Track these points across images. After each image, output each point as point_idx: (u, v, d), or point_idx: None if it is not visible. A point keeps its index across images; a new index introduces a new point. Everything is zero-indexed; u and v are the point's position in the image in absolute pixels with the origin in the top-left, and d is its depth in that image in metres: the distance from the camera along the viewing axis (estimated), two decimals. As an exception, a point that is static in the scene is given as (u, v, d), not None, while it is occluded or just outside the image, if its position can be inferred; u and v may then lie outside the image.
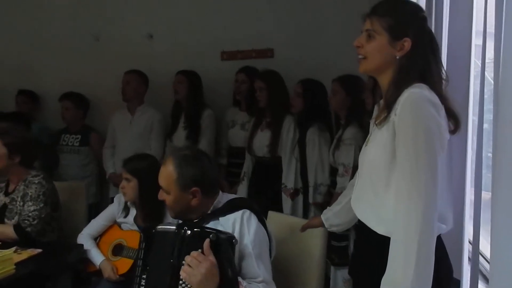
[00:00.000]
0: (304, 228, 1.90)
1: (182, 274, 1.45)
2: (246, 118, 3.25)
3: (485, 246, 1.48)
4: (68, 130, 3.61)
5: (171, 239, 1.55)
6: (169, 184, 1.64)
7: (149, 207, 2.21)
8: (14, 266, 1.85)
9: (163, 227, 1.64)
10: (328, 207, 1.85)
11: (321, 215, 1.82)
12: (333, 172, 2.79)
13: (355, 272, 1.62)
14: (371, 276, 1.32)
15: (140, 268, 1.64)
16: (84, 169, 3.54)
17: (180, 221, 1.67)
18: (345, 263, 2.61)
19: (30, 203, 2.30)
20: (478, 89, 1.45)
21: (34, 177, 2.37)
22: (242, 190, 3.09)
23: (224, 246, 1.48)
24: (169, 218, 1.86)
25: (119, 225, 2.37)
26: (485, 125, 1.46)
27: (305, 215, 2.86)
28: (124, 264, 2.24)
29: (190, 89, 3.29)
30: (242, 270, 1.56)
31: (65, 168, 3.53)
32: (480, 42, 1.43)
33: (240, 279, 1.52)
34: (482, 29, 1.42)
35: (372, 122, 1.45)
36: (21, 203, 2.33)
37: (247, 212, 1.62)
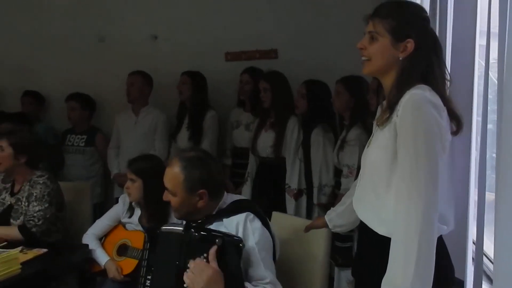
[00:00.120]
0: (307, 229, 1.90)
1: (186, 279, 1.44)
2: (250, 119, 3.26)
3: (489, 247, 1.48)
4: (73, 131, 3.63)
5: (177, 241, 1.54)
6: (176, 186, 1.63)
7: (153, 208, 2.22)
8: (20, 266, 1.86)
9: (169, 227, 1.63)
10: (331, 208, 1.85)
11: (325, 216, 1.82)
12: (338, 173, 2.79)
13: (357, 273, 1.62)
14: (372, 276, 1.33)
15: (145, 269, 1.65)
16: (89, 169, 3.56)
17: (184, 222, 1.66)
18: (349, 264, 2.60)
19: (35, 203, 2.31)
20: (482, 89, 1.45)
21: (39, 177, 2.38)
22: (246, 191, 3.10)
23: (230, 250, 1.47)
24: (173, 218, 1.86)
25: (123, 225, 2.38)
26: (490, 126, 1.45)
27: (309, 215, 2.86)
28: (128, 264, 2.25)
29: (194, 90, 3.29)
30: (249, 273, 1.55)
31: (71, 168, 3.55)
32: (484, 42, 1.43)
33: (246, 284, 1.51)
34: (486, 29, 1.42)
35: (375, 123, 1.45)
36: (26, 203, 2.34)
37: (251, 215, 1.61)
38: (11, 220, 2.35)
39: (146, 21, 3.73)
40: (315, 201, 2.86)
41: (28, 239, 2.22)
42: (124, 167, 3.20)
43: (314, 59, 3.37)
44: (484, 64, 1.43)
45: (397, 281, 1.21)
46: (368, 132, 1.64)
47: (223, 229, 1.59)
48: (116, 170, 3.43)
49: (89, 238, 2.34)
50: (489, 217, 1.37)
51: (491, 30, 1.36)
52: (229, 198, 1.72)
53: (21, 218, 2.32)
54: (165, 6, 3.70)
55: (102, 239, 2.38)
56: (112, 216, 2.40)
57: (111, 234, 2.38)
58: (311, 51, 3.42)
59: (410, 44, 1.33)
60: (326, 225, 1.81)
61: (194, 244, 1.49)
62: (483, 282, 1.41)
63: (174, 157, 1.69)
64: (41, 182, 2.36)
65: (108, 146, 3.55)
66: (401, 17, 1.35)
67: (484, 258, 1.45)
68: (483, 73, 1.44)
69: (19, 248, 2.01)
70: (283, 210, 2.83)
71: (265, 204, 2.68)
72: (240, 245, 1.50)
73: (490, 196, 1.38)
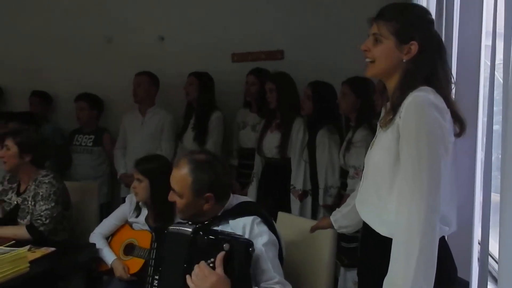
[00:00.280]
0: (313, 229, 1.90)
1: (190, 284, 1.43)
2: (256, 120, 3.27)
3: (495, 247, 1.47)
4: (81, 131, 3.67)
5: (185, 243, 1.52)
6: (183, 188, 1.62)
7: (160, 208, 2.23)
8: (28, 265, 1.87)
9: (177, 227, 1.61)
10: (337, 209, 1.85)
11: (330, 217, 1.83)
12: (343, 174, 2.79)
13: (360, 273, 1.62)
14: (375, 277, 1.33)
15: (152, 268, 1.64)
16: (96, 169, 3.59)
17: (190, 222, 1.66)
18: (354, 264, 2.60)
19: (41, 203, 2.33)
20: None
21: (45, 177, 2.40)
22: (251, 191, 3.10)
23: (239, 256, 1.45)
24: (179, 218, 1.87)
25: (130, 225, 2.39)
26: (496, 127, 1.45)
27: (314, 216, 2.86)
28: (135, 264, 2.27)
29: (200, 90, 3.31)
30: (257, 275, 1.54)
31: (78, 168, 3.58)
32: (490, 43, 1.42)
33: None
34: (492, 30, 1.42)
35: (378, 124, 1.46)
36: (33, 203, 2.37)
37: (258, 219, 1.61)
38: (18, 220, 2.38)
39: (153, 22, 3.76)
40: (320, 202, 2.86)
41: (36, 238, 2.24)
42: (130, 167, 3.23)
43: (320, 60, 3.37)
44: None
45: (398, 282, 1.22)
46: (375, 134, 1.65)
47: (228, 230, 1.59)
48: (123, 170, 3.45)
49: (96, 237, 2.35)
50: (495, 218, 1.37)
51: (497, 30, 1.36)
52: (235, 199, 1.72)
53: (28, 217, 2.35)
54: (172, 8, 3.72)
55: (109, 239, 2.39)
56: (119, 216, 2.42)
57: (118, 233, 2.40)
58: (317, 52, 3.42)
59: (414, 47, 1.33)
60: (331, 226, 1.82)
61: (202, 248, 1.47)
62: (490, 283, 1.41)
63: (183, 158, 1.67)
64: (46, 181, 2.38)
65: (115, 146, 3.57)
66: (406, 19, 1.35)
67: (491, 259, 1.45)
68: (489, 74, 1.44)
69: (27, 247, 2.03)
70: (288, 210, 2.84)
71: (270, 205, 2.70)
72: (250, 249, 1.47)
73: (495, 197, 1.37)
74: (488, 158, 1.40)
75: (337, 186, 2.84)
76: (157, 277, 1.62)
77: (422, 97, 1.27)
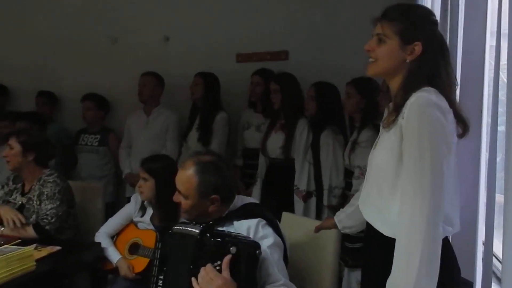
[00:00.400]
0: (317, 229, 1.90)
1: (196, 287, 1.42)
2: (261, 120, 3.27)
3: (499, 248, 1.47)
4: (87, 131, 3.69)
5: (191, 244, 1.50)
6: (188, 190, 1.62)
7: (165, 207, 2.24)
8: (35, 263, 1.89)
9: (182, 228, 1.60)
10: (341, 209, 1.86)
11: (334, 217, 1.83)
12: (348, 174, 2.79)
13: (363, 273, 1.62)
14: (378, 277, 1.33)
15: (157, 268, 1.64)
16: (102, 168, 3.61)
17: (198, 224, 1.63)
18: (359, 265, 2.59)
19: (47, 202, 2.35)
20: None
21: (49, 176, 2.42)
22: (255, 192, 3.11)
23: (246, 259, 1.43)
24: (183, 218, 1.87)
25: (135, 224, 2.41)
26: (501, 127, 1.45)
27: (319, 217, 2.86)
28: (140, 263, 2.28)
29: (205, 91, 3.31)
30: (262, 277, 1.53)
31: (84, 168, 3.60)
32: (495, 43, 1.42)
33: None
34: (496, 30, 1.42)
35: (381, 124, 1.46)
36: (38, 202, 2.38)
37: (263, 221, 1.60)
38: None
39: (158, 23, 3.77)
40: (325, 203, 2.86)
41: (43, 237, 2.26)
42: (135, 167, 3.24)
43: (325, 61, 3.37)
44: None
45: (401, 283, 1.22)
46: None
47: (232, 230, 1.58)
48: (128, 169, 3.46)
49: (102, 236, 2.37)
50: (499, 218, 1.37)
51: (502, 31, 1.36)
52: (239, 200, 1.71)
53: (34, 217, 2.36)
54: (177, 8, 3.73)
55: (114, 238, 2.41)
56: (124, 215, 2.43)
57: (123, 232, 2.42)
58: (321, 53, 3.42)
59: (418, 47, 1.33)
60: (335, 226, 1.82)
61: (209, 250, 1.45)
62: (494, 284, 1.41)
63: (189, 159, 1.66)
64: (51, 180, 2.40)
65: (120, 146, 3.59)
66: (410, 20, 1.35)
67: (494, 259, 1.45)
68: (494, 74, 1.44)
69: (34, 246, 2.04)
70: (292, 211, 2.83)
71: (273, 205, 2.70)
72: (257, 252, 1.46)
73: (500, 198, 1.37)
74: (492, 158, 1.40)
75: (341, 186, 2.84)
76: (161, 277, 1.62)
77: (425, 97, 1.27)
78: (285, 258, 1.64)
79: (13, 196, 2.48)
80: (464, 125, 1.33)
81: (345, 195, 2.79)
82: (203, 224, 1.62)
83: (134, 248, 2.34)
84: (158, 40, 3.76)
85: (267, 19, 3.54)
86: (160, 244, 1.67)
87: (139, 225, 2.39)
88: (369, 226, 1.47)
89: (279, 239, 1.61)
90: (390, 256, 1.27)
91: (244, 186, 3.28)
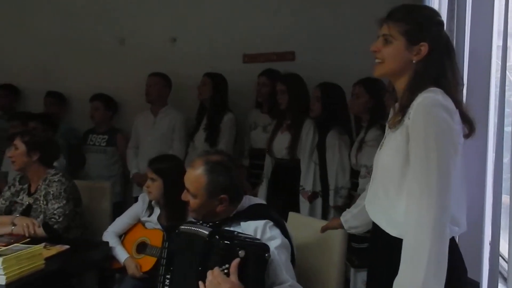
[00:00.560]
0: (323, 229, 1.90)
1: None
2: (268, 120, 3.28)
3: (505, 248, 1.47)
4: (95, 131, 3.71)
5: (200, 245, 1.49)
6: (197, 189, 1.62)
7: (173, 207, 2.26)
8: (44, 261, 1.91)
9: (190, 227, 1.60)
10: (347, 209, 1.86)
11: (340, 217, 1.83)
12: (354, 174, 2.79)
13: (369, 274, 1.63)
14: (384, 277, 1.33)
15: (164, 268, 1.64)
16: (109, 168, 3.63)
17: (201, 222, 1.65)
18: (365, 265, 2.59)
19: (53, 201, 2.37)
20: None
21: (54, 176, 2.44)
22: (261, 192, 3.11)
23: (254, 262, 1.42)
24: (191, 217, 1.88)
25: (143, 223, 2.42)
26: (508, 128, 1.45)
27: (325, 217, 2.86)
28: (147, 262, 2.30)
29: (213, 91, 3.33)
30: (270, 278, 1.52)
31: (91, 168, 3.63)
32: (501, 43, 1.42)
33: None
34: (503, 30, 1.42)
35: (387, 125, 1.46)
36: (44, 202, 2.41)
37: (270, 223, 1.60)
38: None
39: (165, 24, 3.79)
40: (331, 203, 2.86)
41: (51, 236, 2.28)
42: (143, 167, 3.26)
43: (331, 62, 3.37)
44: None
45: (408, 283, 1.22)
46: (385, 134, 1.65)
47: (239, 230, 1.58)
48: (135, 169, 3.49)
49: (109, 235, 2.39)
50: (505, 219, 1.36)
51: (509, 31, 1.36)
52: (247, 200, 1.71)
53: (41, 216, 2.39)
54: (184, 9, 3.75)
55: (122, 237, 2.42)
56: (131, 215, 2.45)
57: (130, 232, 2.43)
58: (328, 53, 3.42)
59: (424, 48, 1.33)
60: (341, 226, 1.82)
61: (217, 252, 1.44)
62: (501, 284, 1.41)
63: (198, 159, 1.67)
64: (56, 180, 2.42)
65: (127, 146, 3.61)
66: (416, 20, 1.35)
67: (500, 260, 1.45)
68: (500, 75, 1.44)
69: (43, 244, 2.06)
70: (297, 211, 2.83)
71: (279, 205, 2.70)
72: (266, 255, 1.45)
73: (506, 199, 1.37)
74: (498, 159, 1.40)
75: (347, 187, 2.84)
76: (168, 276, 1.62)
77: (431, 98, 1.28)
78: (292, 259, 1.64)
79: (20, 197, 2.51)
80: (471, 125, 1.33)
81: (351, 196, 2.79)
82: (210, 224, 1.62)
83: (142, 247, 2.35)
84: (165, 41, 3.78)
85: (274, 20, 3.55)
86: (167, 243, 1.67)
87: (146, 224, 2.41)
88: (375, 226, 1.47)
89: (286, 240, 1.61)
90: (396, 256, 1.28)
91: (250, 186, 3.28)
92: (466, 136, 1.33)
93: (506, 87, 1.40)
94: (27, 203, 2.47)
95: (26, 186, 2.52)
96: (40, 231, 2.28)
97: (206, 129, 3.32)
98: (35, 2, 4.08)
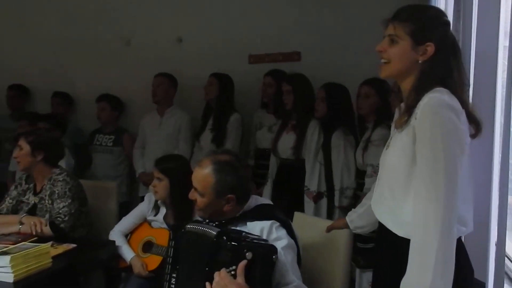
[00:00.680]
0: (329, 229, 1.91)
1: None
2: (273, 121, 3.28)
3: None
4: (101, 131, 3.74)
5: (207, 246, 1.49)
6: (205, 188, 1.63)
7: (179, 206, 2.27)
8: (51, 260, 1.92)
9: (198, 227, 1.59)
10: (352, 209, 1.86)
11: (346, 217, 1.83)
12: (359, 174, 2.79)
13: (375, 274, 1.62)
14: (389, 277, 1.33)
15: (170, 266, 1.65)
16: (116, 168, 3.65)
17: (207, 221, 1.66)
18: (370, 265, 2.59)
19: (58, 201, 2.39)
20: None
21: (59, 175, 2.46)
22: (266, 191, 3.12)
23: (261, 264, 1.42)
24: (197, 216, 1.88)
25: (149, 223, 2.44)
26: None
27: (329, 218, 2.86)
28: (153, 261, 2.31)
29: (220, 91, 3.33)
30: (276, 278, 1.52)
31: (98, 167, 3.65)
32: (508, 44, 1.42)
33: None
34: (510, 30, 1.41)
35: (393, 125, 1.46)
36: (50, 202, 2.43)
37: (276, 223, 1.61)
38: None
39: (171, 24, 3.80)
40: (336, 203, 2.85)
41: (58, 235, 2.29)
42: (149, 167, 3.28)
43: (337, 62, 3.37)
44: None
45: (416, 283, 1.22)
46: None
47: (245, 230, 1.58)
48: (142, 169, 3.50)
49: (116, 234, 2.40)
50: (511, 220, 1.36)
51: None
52: (253, 200, 1.72)
53: (47, 216, 2.40)
54: (190, 9, 3.76)
55: (128, 236, 2.44)
56: (138, 214, 2.46)
57: (136, 231, 2.44)
58: (333, 53, 3.42)
59: (430, 48, 1.33)
60: (347, 226, 1.82)
61: (224, 253, 1.43)
62: (505, 284, 1.41)
63: (206, 158, 1.68)
64: (61, 179, 2.44)
65: (134, 146, 3.63)
66: (422, 20, 1.35)
67: (506, 260, 1.44)
68: (507, 75, 1.43)
69: (50, 243, 2.07)
70: (302, 212, 2.83)
71: (284, 205, 2.70)
72: (274, 257, 1.45)
73: (512, 199, 1.37)
74: (505, 159, 1.39)
75: (353, 187, 2.84)
76: (174, 275, 1.63)
77: (437, 98, 1.28)
78: (298, 260, 1.65)
79: (26, 196, 2.53)
80: (477, 125, 1.33)
81: (357, 196, 2.79)
82: (216, 223, 1.63)
83: (148, 247, 2.37)
84: (171, 41, 3.80)
85: (280, 21, 3.55)
86: (173, 242, 1.68)
87: (152, 223, 2.42)
88: (381, 226, 1.47)
89: (292, 241, 1.62)
90: (402, 257, 1.28)
91: (255, 186, 3.29)
92: (473, 136, 1.33)
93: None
94: (33, 202, 2.49)
95: (32, 185, 2.54)
96: (47, 230, 2.30)
97: (212, 129, 3.33)
98: (43, 4, 4.11)
